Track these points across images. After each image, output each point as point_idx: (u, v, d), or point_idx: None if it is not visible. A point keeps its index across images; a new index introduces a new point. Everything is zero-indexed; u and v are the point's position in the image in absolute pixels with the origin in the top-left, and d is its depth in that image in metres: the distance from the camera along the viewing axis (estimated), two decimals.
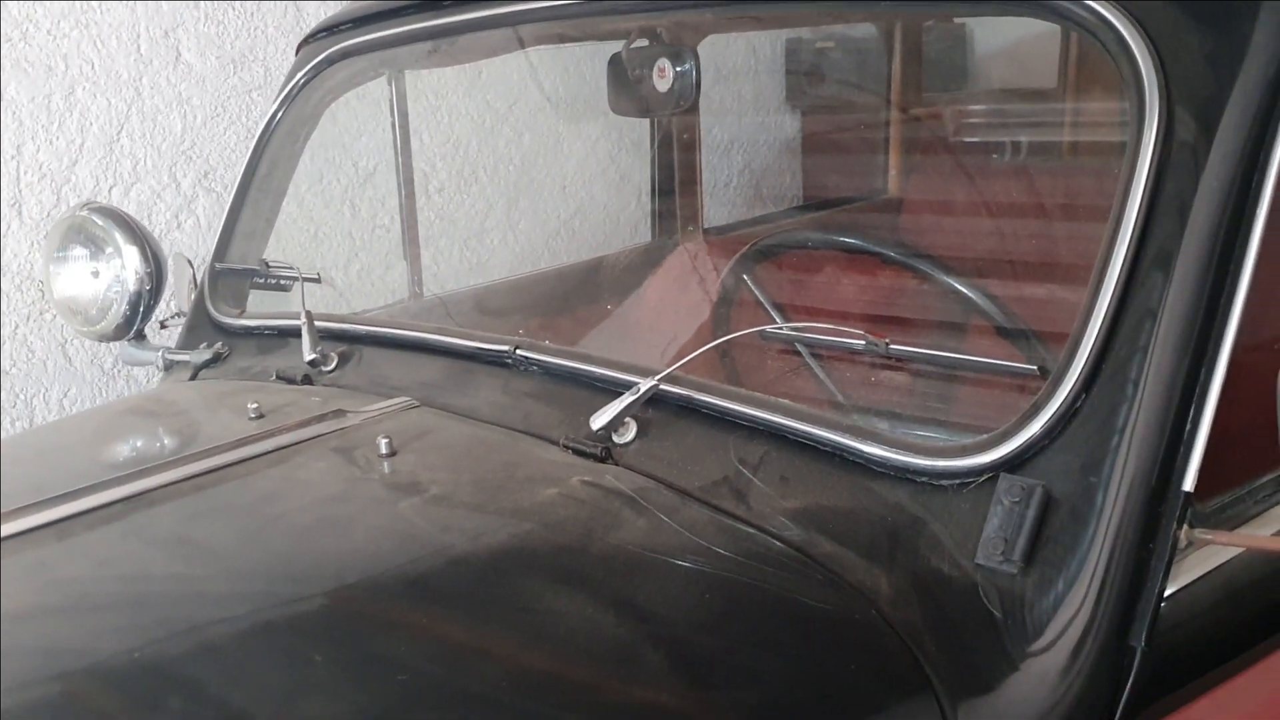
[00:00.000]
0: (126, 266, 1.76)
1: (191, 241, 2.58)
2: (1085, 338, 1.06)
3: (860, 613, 1.07)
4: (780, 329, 1.56)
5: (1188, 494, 1.03)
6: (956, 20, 2.81)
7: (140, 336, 1.82)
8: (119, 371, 2.54)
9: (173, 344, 1.85)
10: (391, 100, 2.10)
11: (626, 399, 1.26)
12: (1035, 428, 1.06)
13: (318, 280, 1.75)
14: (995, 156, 2.64)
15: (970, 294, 1.57)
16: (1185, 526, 1.03)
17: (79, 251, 1.78)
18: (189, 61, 2.57)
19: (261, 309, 1.84)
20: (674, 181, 2.45)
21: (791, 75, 3.20)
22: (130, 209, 2.49)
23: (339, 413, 1.39)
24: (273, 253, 1.93)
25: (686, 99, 2.13)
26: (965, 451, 1.09)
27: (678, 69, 2.10)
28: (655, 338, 2.11)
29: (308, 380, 1.60)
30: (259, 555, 1.13)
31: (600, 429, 1.28)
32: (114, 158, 2.49)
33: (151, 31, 2.51)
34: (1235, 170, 1.06)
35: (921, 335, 1.69)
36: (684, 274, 2.24)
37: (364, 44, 1.85)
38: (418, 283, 2.20)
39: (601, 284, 2.32)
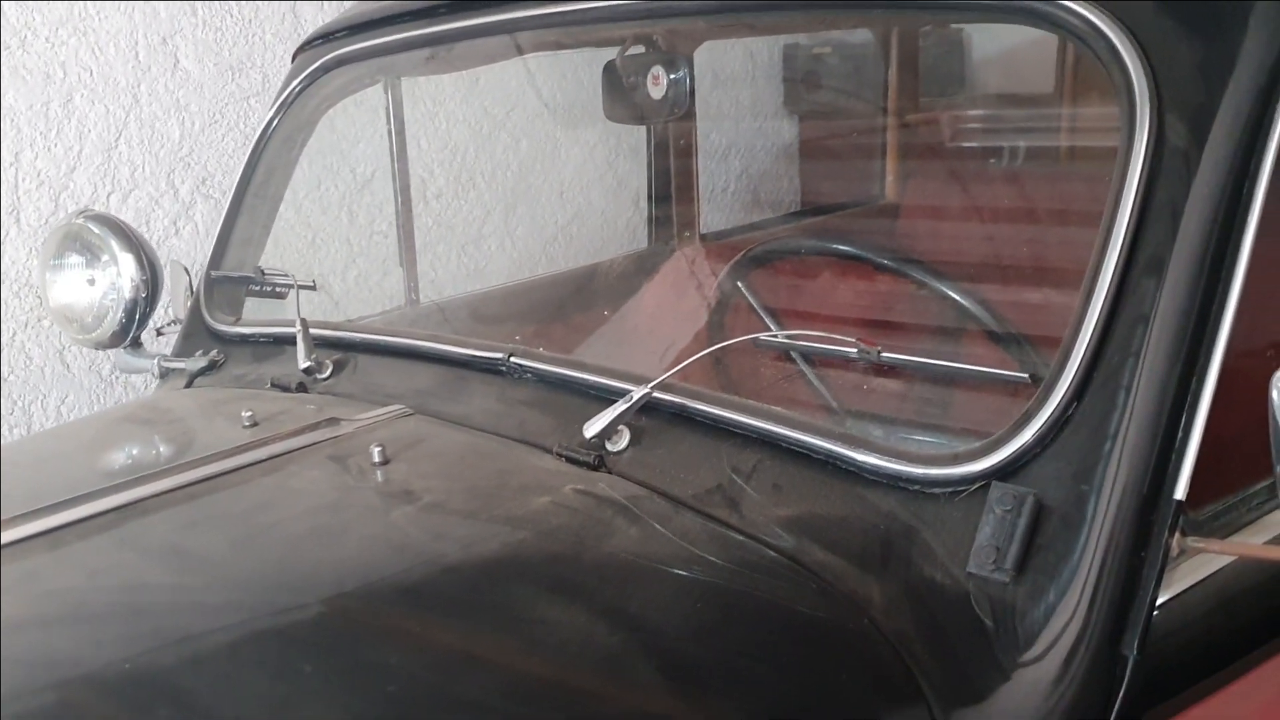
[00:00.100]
0: (122, 274, 1.76)
1: (189, 248, 2.58)
2: (1077, 345, 1.06)
3: (853, 621, 1.07)
4: (773, 337, 1.56)
5: (1180, 502, 1.03)
6: (953, 26, 2.82)
7: (136, 344, 1.82)
8: (117, 378, 2.55)
9: (169, 351, 1.86)
10: (388, 107, 2.10)
11: (619, 407, 1.26)
12: (1027, 436, 1.06)
13: (313, 288, 1.75)
14: (993, 162, 2.65)
15: (963, 300, 1.57)
16: (1177, 534, 1.03)
17: (75, 259, 1.79)
18: (187, 68, 2.57)
19: (258, 316, 1.84)
20: (671, 187, 2.46)
21: (789, 81, 3.20)
22: (128, 216, 2.50)
23: (332, 421, 1.39)
24: (270, 259, 1.93)
25: (680, 106, 2.14)
26: (957, 460, 1.09)
27: (671, 76, 2.11)
28: (652, 343, 2.11)
29: (302, 388, 1.60)
30: (251, 565, 1.13)
31: (593, 437, 1.28)
32: (112, 165, 2.49)
33: (149, 38, 2.51)
34: (1226, 177, 1.06)
35: (916, 341, 1.69)
36: (681, 280, 2.24)
37: (360, 51, 1.85)
38: (414, 289, 2.20)
39: (598, 290, 2.32)
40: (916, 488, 1.10)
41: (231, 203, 1.89)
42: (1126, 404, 1.03)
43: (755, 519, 1.17)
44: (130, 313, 1.77)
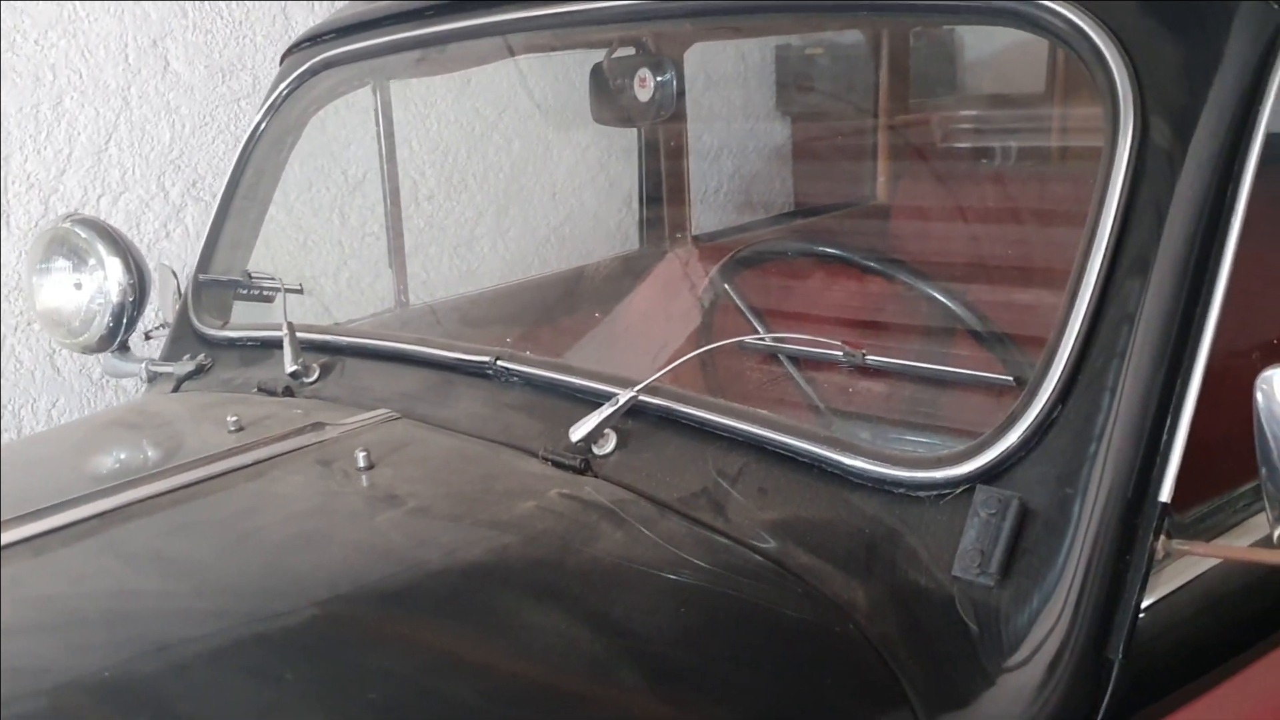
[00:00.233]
0: (109, 278, 1.75)
1: (180, 251, 2.57)
2: (1061, 347, 1.06)
3: (837, 625, 1.07)
4: (758, 340, 1.55)
5: (1165, 504, 1.02)
6: (945, 27, 2.81)
7: (124, 348, 1.82)
8: (108, 382, 2.54)
9: (158, 355, 1.85)
10: (376, 109, 2.10)
11: (605, 411, 1.26)
12: (1011, 439, 1.06)
13: (300, 291, 1.74)
14: (984, 163, 2.64)
15: (949, 302, 1.57)
16: (1163, 537, 1.03)
17: (62, 263, 1.78)
18: (177, 70, 2.57)
19: (247, 320, 1.83)
20: (662, 189, 2.45)
21: (781, 82, 3.20)
22: (119, 219, 2.49)
23: (318, 425, 1.39)
24: (262, 262, 1.92)
25: (667, 108, 2.14)
26: (941, 463, 1.09)
27: (658, 79, 2.11)
28: (643, 345, 2.11)
29: (289, 392, 1.60)
30: (234, 571, 1.13)
31: (580, 440, 1.27)
32: (102, 167, 2.49)
33: (139, 40, 2.51)
34: (1210, 178, 1.05)
35: (904, 343, 1.69)
36: (671, 282, 2.24)
37: (348, 54, 1.85)
38: (404, 292, 2.20)
39: (589, 292, 2.32)
40: (901, 491, 1.10)
41: (219, 206, 1.88)
42: (1111, 406, 1.03)
43: (740, 522, 1.17)
44: (117, 317, 1.76)
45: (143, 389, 1.86)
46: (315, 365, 1.61)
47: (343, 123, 2.35)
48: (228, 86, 2.64)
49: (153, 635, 1.02)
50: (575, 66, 2.63)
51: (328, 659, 0.99)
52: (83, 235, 1.76)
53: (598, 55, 2.29)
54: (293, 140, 1.93)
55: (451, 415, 1.43)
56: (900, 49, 2.74)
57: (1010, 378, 1.18)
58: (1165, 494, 1.02)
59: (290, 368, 1.59)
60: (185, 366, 1.75)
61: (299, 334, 1.62)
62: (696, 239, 2.50)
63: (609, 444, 1.28)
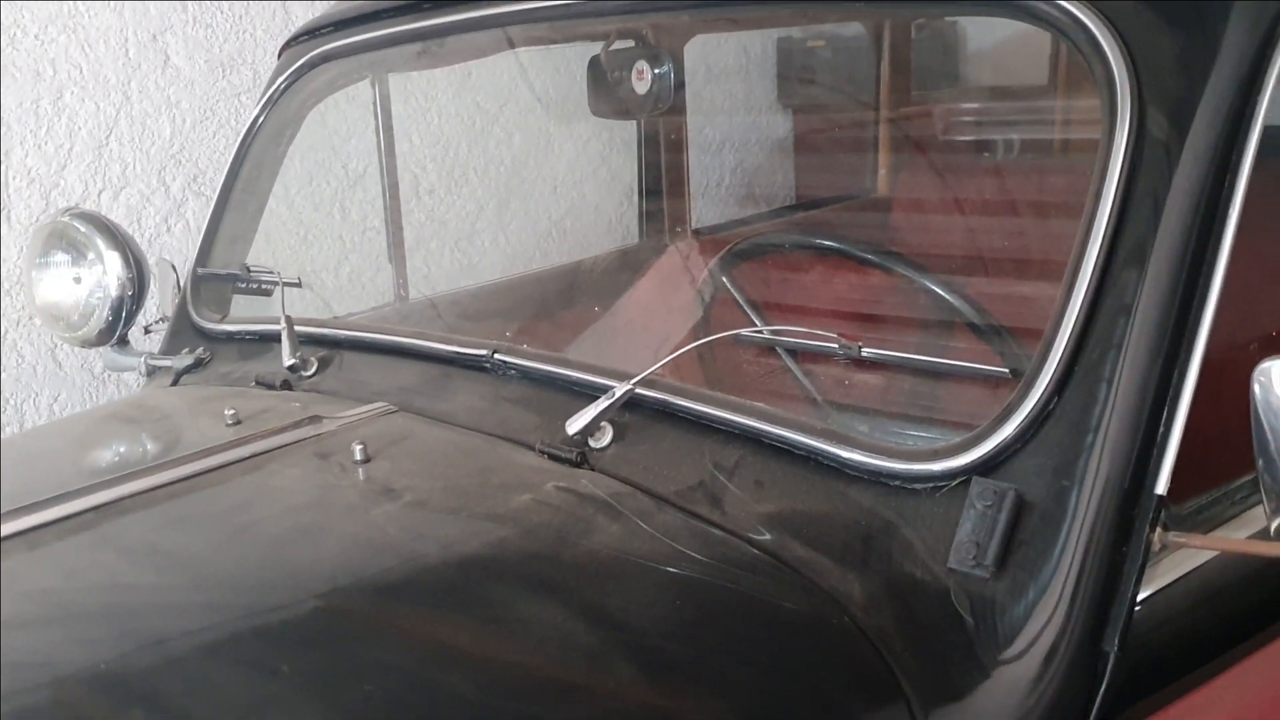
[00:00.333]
0: (108, 272, 1.75)
1: (181, 246, 2.57)
2: (1058, 339, 1.06)
3: (833, 618, 1.07)
4: (754, 333, 1.55)
5: (1161, 497, 1.02)
6: (947, 19, 2.80)
7: (123, 342, 1.82)
8: (109, 377, 2.54)
9: (157, 349, 1.85)
10: (375, 103, 2.09)
11: (601, 404, 1.26)
12: (1008, 430, 1.06)
13: (298, 285, 1.74)
14: (986, 155, 2.63)
15: (946, 294, 1.56)
16: (1159, 529, 1.02)
17: (60, 257, 1.78)
18: (177, 65, 2.57)
19: (247, 314, 1.83)
20: (661, 182, 2.45)
21: (783, 74, 3.19)
22: (119, 214, 2.49)
23: (315, 419, 1.39)
24: (263, 256, 1.92)
25: (665, 101, 2.14)
26: (938, 455, 1.08)
27: (656, 71, 2.11)
28: (644, 339, 2.10)
29: (287, 385, 1.60)
30: (229, 564, 1.13)
31: (576, 434, 1.27)
32: (103, 162, 2.49)
33: (139, 35, 2.51)
34: (1208, 169, 1.05)
35: (902, 335, 1.68)
36: (669, 275, 2.24)
37: (346, 47, 1.85)
38: (403, 286, 2.20)
39: (589, 286, 2.32)
40: (897, 483, 1.10)
41: (218, 200, 1.88)
42: (1108, 398, 1.03)
43: (737, 515, 1.17)
44: (116, 311, 1.76)
45: (143, 383, 1.86)
46: (313, 359, 1.61)
47: (344, 117, 2.35)
48: (228, 81, 2.64)
49: (149, 628, 1.02)
50: (576, 59, 2.63)
51: (324, 651, 0.99)
52: (81, 229, 1.76)
53: (599, 48, 2.28)
54: (291, 134, 1.93)
55: (449, 408, 1.43)
56: (902, 41, 2.73)
57: (1006, 370, 1.18)
58: (1162, 486, 1.02)
59: (288, 361, 1.59)
60: (184, 360, 1.75)
61: (297, 328, 1.62)
62: (697, 232, 2.50)
63: (605, 437, 1.28)
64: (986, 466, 1.06)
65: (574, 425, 1.27)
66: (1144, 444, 1.02)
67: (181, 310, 1.84)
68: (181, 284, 1.87)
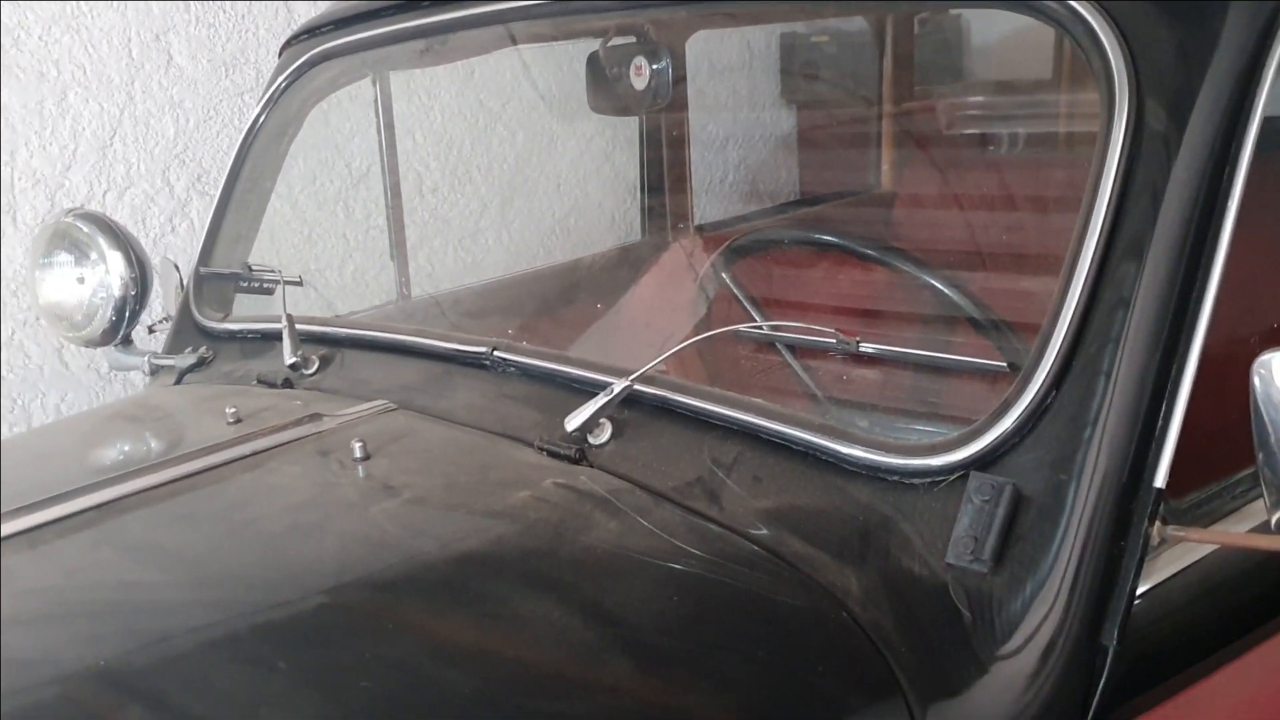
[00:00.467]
0: (111, 272, 1.76)
1: (186, 245, 2.58)
2: (1055, 333, 1.05)
3: (831, 613, 1.07)
4: (752, 328, 1.55)
5: (1160, 490, 1.02)
6: (951, 13, 2.80)
7: (127, 341, 1.82)
8: (115, 376, 2.55)
9: (161, 348, 1.86)
10: (376, 101, 2.10)
11: (600, 400, 1.26)
12: (1005, 425, 1.05)
13: (299, 283, 1.75)
14: (990, 150, 2.62)
15: (946, 289, 1.56)
16: (1158, 523, 1.02)
17: (64, 257, 1.79)
18: (181, 65, 2.57)
19: (250, 312, 1.84)
20: (663, 179, 2.45)
21: (786, 70, 3.18)
22: (124, 214, 2.50)
23: (315, 417, 1.39)
24: (266, 255, 1.93)
25: (663, 97, 2.13)
26: (935, 450, 1.08)
27: (654, 67, 2.10)
28: (646, 336, 2.10)
29: (288, 384, 1.60)
30: (229, 562, 1.13)
31: (575, 430, 1.27)
32: (107, 162, 2.49)
33: (143, 35, 2.51)
34: (1206, 162, 1.04)
35: (902, 331, 1.68)
36: (675, 271, 2.24)
37: (347, 45, 1.85)
38: (405, 284, 2.20)
39: (591, 283, 2.32)
40: (895, 478, 1.10)
41: (220, 199, 1.89)
42: (1106, 391, 1.02)
43: (735, 511, 1.17)
44: (120, 310, 1.77)
45: (147, 382, 1.87)
46: (314, 357, 1.61)
47: (346, 115, 2.35)
48: (231, 81, 2.65)
49: (150, 626, 1.02)
50: (579, 57, 2.63)
51: (323, 648, 0.99)
52: (84, 229, 1.77)
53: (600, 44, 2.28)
54: (292, 132, 1.93)
55: (449, 406, 1.43)
56: (905, 36, 2.72)
57: (1004, 364, 1.18)
58: (1160, 479, 1.01)
59: (289, 360, 1.59)
60: (187, 359, 1.76)
61: (298, 326, 1.63)
62: (699, 229, 2.50)
63: (604, 433, 1.28)
64: (984, 461, 1.05)
65: (573, 422, 1.27)
66: (1142, 437, 1.02)
67: (184, 309, 1.84)
68: (184, 283, 1.88)
